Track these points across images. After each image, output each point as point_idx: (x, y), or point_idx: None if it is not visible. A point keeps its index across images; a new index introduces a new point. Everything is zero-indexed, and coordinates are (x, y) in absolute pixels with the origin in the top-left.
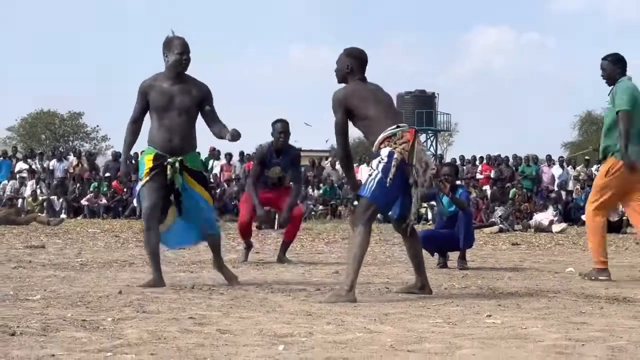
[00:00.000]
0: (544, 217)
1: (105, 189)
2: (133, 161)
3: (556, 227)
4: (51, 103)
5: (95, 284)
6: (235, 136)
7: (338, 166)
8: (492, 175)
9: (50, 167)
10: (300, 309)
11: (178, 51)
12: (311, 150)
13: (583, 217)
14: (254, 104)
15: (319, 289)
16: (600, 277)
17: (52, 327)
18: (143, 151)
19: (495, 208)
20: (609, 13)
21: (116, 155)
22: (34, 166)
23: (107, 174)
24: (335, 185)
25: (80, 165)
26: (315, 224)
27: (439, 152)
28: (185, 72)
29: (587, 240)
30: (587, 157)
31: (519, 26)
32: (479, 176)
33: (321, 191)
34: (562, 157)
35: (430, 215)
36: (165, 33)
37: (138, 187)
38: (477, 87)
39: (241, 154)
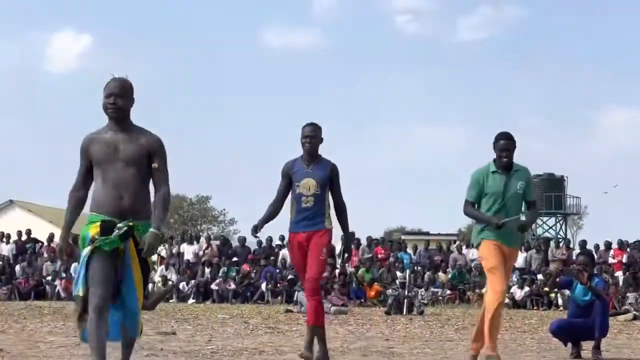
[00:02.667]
0: None
1: (234, 273)
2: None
3: None
4: (180, 187)
5: None
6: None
7: (465, 250)
8: (624, 260)
9: (181, 251)
10: None
11: (106, 93)
12: (439, 234)
13: None
14: (376, 187)
15: None
16: None
17: None
18: (86, 224)
19: (628, 294)
20: None
21: (243, 241)
22: (163, 252)
23: (235, 259)
24: (463, 269)
25: (210, 248)
26: (443, 309)
27: (568, 236)
28: (130, 121)
29: None
30: None
31: None
32: (611, 261)
33: (449, 275)
34: None
35: (560, 301)
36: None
37: (79, 262)
38: (609, 169)
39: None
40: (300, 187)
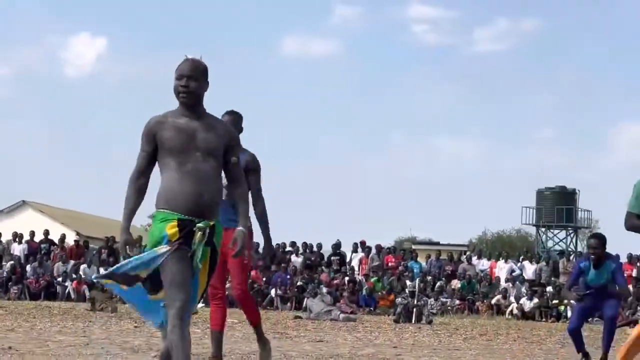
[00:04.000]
0: None
1: None
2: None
3: None
4: None
5: None
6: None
7: (475, 260)
8: (634, 274)
9: None
10: None
11: (177, 74)
12: (449, 245)
13: None
14: (389, 196)
15: None
16: None
17: None
18: (154, 217)
19: (639, 307)
20: None
21: (256, 246)
22: None
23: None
24: (473, 280)
25: None
26: (452, 319)
27: (579, 249)
28: (204, 108)
29: None
30: None
31: None
32: None
33: (459, 285)
34: None
35: (569, 313)
36: None
37: (143, 259)
38: (620, 184)
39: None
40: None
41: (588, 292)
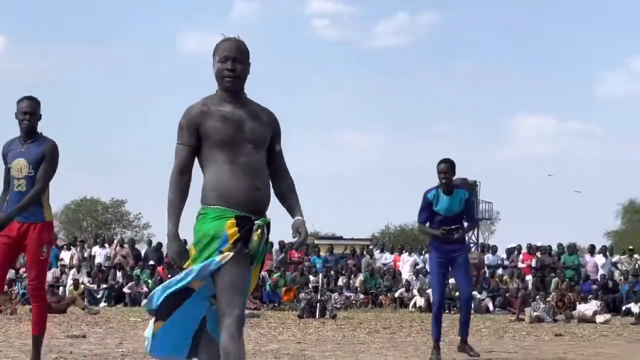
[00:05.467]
0: (587, 307)
1: (145, 277)
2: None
3: (600, 318)
4: (94, 190)
5: None
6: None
7: (378, 254)
8: (533, 264)
9: (92, 254)
10: None
11: (222, 56)
12: (352, 239)
13: (626, 307)
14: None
15: None
16: None
17: None
18: (203, 214)
19: (537, 298)
20: None
21: (151, 243)
22: (75, 255)
23: (151, 262)
24: (376, 274)
25: (122, 252)
26: (356, 313)
27: (480, 240)
28: (245, 93)
29: None
30: (630, 247)
31: (562, 113)
32: (520, 265)
33: (362, 277)
34: (604, 246)
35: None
36: None
37: (207, 267)
38: (520, 175)
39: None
40: (13, 169)
41: (453, 227)
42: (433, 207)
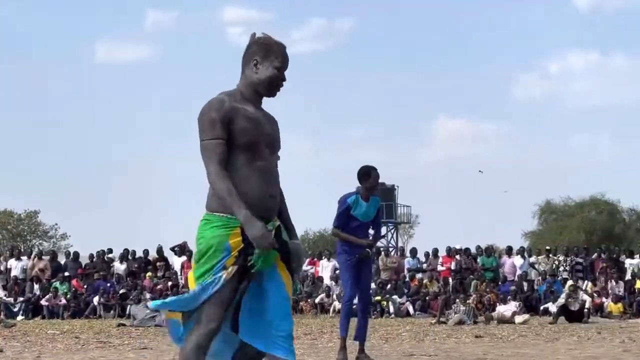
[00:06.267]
0: (506, 308)
1: (65, 288)
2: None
3: (519, 319)
4: (6, 201)
5: None
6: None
7: None
8: (452, 267)
9: (8, 267)
10: None
11: (279, 64)
12: None
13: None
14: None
15: None
16: None
17: None
18: (207, 221)
19: (457, 300)
20: (569, 100)
21: (71, 254)
22: None
23: (67, 274)
24: (297, 280)
25: (40, 264)
26: None
27: (399, 244)
28: None
29: None
30: (547, 247)
31: (479, 115)
32: (440, 268)
33: None
34: (522, 247)
35: (392, 309)
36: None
37: (209, 283)
38: (437, 178)
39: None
40: None
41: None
42: (351, 212)
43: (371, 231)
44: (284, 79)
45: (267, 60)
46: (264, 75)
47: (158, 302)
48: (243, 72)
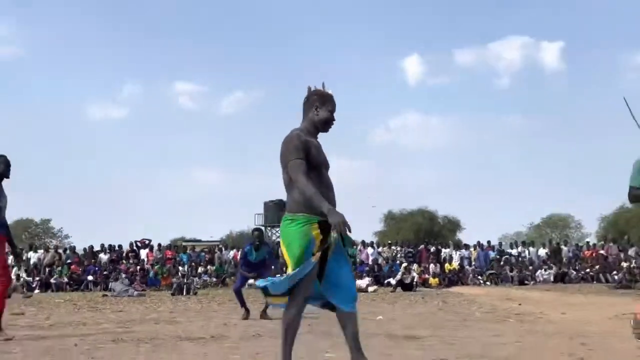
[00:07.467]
0: (362, 282)
1: (66, 272)
2: None
3: (371, 289)
4: (27, 211)
5: (60, 340)
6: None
7: (225, 251)
8: None
9: (28, 257)
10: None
11: (332, 109)
12: (208, 241)
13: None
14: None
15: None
16: None
17: None
18: (291, 219)
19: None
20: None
21: (66, 249)
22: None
23: (68, 261)
24: (224, 264)
25: (48, 255)
26: (211, 291)
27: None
28: None
29: None
30: (389, 241)
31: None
32: None
33: (214, 267)
34: (372, 241)
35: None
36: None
37: (304, 267)
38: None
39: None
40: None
41: (252, 272)
42: (249, 256)
43: None
44: (335, 121)
45: (324, 106)
46: (323, 117)
47: (265, 281)
48: (305, 114)
